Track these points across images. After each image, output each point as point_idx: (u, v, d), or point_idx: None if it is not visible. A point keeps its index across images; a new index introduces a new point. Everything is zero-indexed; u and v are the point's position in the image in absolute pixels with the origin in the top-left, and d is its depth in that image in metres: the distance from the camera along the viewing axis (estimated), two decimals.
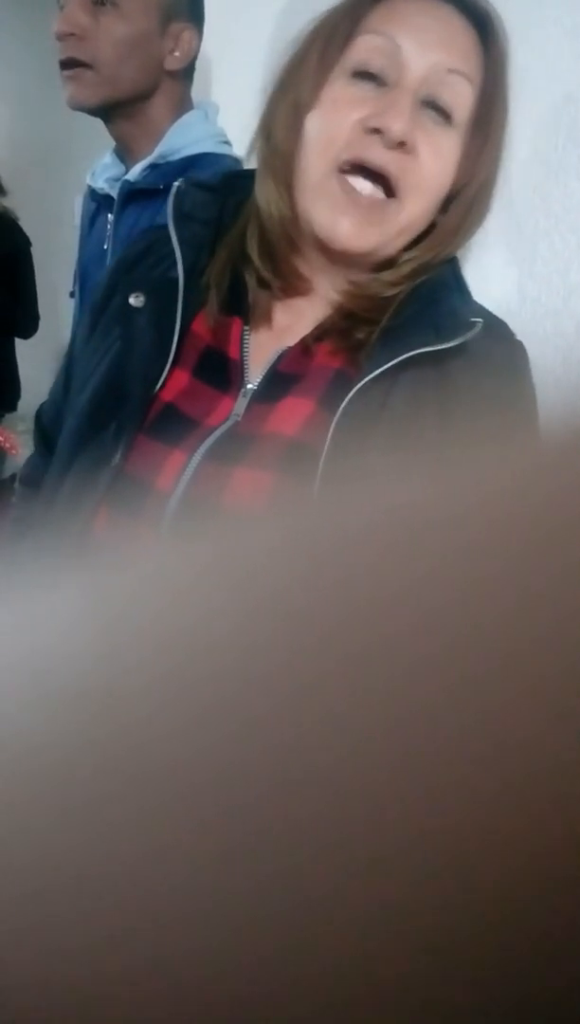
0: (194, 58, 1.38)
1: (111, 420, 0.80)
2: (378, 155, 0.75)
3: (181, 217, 0.85)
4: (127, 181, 1.38)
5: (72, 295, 1.61)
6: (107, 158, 1.49)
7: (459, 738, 0.10)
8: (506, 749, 0.09)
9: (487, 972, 0.09)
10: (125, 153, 1.43)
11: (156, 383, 0.80)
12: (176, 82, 1.38)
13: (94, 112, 1.37)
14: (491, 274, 1.47)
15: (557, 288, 1.45)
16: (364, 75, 0.77)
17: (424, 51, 0.76)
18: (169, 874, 0.09)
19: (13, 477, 3.00)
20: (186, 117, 1.39)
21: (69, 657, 0.12)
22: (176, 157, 1.36)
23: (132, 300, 0.84)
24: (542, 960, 0.09)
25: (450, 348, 0.76)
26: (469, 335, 0.76)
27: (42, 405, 0.99)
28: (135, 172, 1.38)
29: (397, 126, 0.74)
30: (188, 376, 0.82)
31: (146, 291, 0.84)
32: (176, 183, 0.87)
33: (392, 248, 0.81)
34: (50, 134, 3.90)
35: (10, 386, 3.06)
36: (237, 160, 1.27)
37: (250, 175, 0.84)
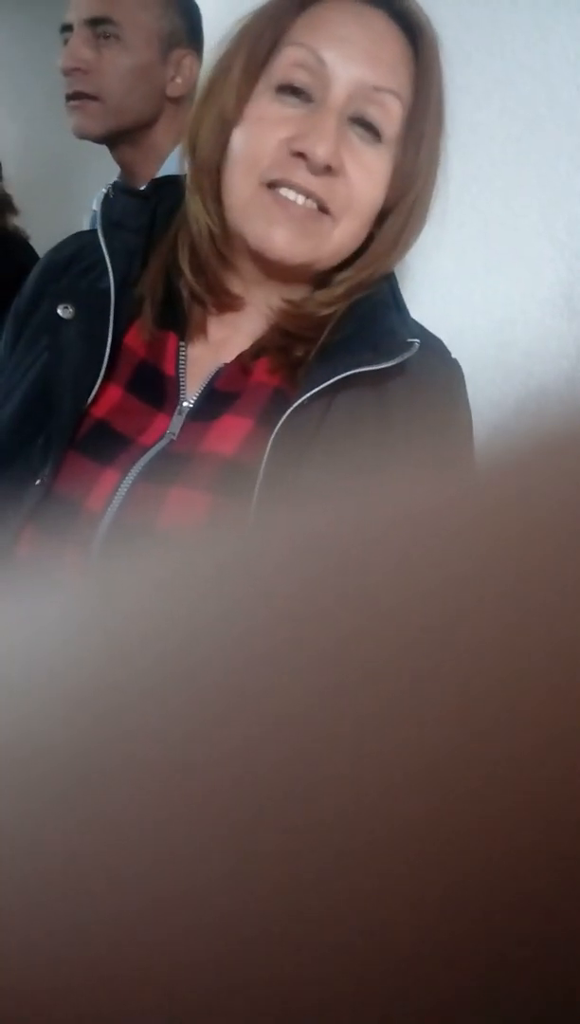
0: (195, 83, 1.39)
1: (38, 434, 0.78)
2: (303, 179, 0.74)
3: (110, 225, 0.83)
4: None
5: None
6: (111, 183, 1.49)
7: (404, 759, 0.10)
8: (470, 763, 0.09)
9: (491, 985, 0.09)
10: (129, 178, 1.44)
11: (87, 397, 0.78)
12: (178, 107, 1.38)
13: (99, 140, 1.38)
14: (494, 297, 1.47)
15: (560, 310, 1.44)
16: (289, 89, 0.74)
17: (349, 65, 0.73)
18: (170, 872, 0.10)
19: None
20: None
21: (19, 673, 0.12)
22: None
23: (60, 311, 0.81)
24: (544, 969, 0.09)
25: (388, 367, 0.75)
26: (406, 355, 0.75)
27: None
28: None
29: (321, 151, 0.72)
30: (121, 391, 0.80)
31: (75, 301, 0.81)
32: (103, 189, 0.85)
33: (327, 264, 0.79)
34: (60, 154, 3.90)
35: None
36: None
37: (180, 181, 0.82)
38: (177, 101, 1.38)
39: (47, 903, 0.10)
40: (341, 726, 0.10)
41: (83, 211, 4.01)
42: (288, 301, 0.81)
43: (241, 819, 0.10)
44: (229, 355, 0.81)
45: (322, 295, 0.80)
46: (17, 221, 3.00)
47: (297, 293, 0.81)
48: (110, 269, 0.81)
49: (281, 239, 0.76)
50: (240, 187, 0.77)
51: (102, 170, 3.55)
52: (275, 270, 0.79)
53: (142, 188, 0.87)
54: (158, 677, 0.11)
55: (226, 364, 0.81)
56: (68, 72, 1.34)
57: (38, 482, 0.75)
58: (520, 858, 0.09)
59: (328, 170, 0.74)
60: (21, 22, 3.85)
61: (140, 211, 0.85)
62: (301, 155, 0.74)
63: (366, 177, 0.76)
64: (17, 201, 3.05)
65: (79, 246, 0.87)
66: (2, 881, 0.10)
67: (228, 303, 0.82)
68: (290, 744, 0.10)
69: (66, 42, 1.35)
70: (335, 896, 0.09)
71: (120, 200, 0.85)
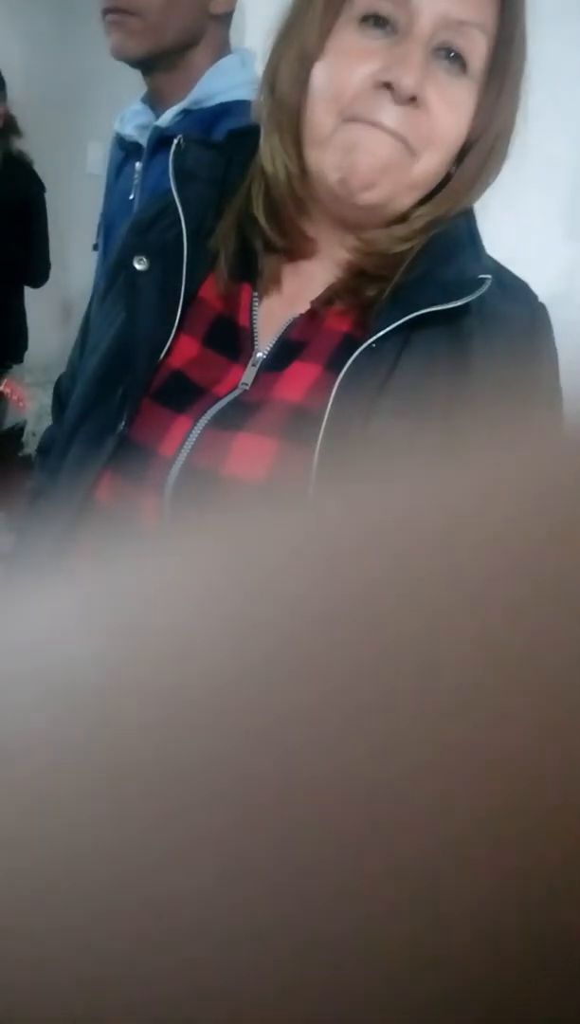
0: (236, 0, 1.31)
1: (117, 386, 0.79)
2: (388, 115, 0.71)
3: (183, 176, 0.82)
4: (157, 127, 1.32)
5: (95, 248, 1.55)
6: (136, 104, 1.42)
7: (471, 723, 0.10)
8: (516, 743, 0.09)
9: (489, 984, 0.09)
10: (156, 99, 1.36)
11: (161, 349, 0.78)
12: (219, 26, 1.31)
13: (137, 62, 1.30)
14: (550, 249, 1.42)
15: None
16: (373, 20, 0.72)
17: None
18: (169, 873, 0.10)
19: (14, 428, 2.95)
20: (222, 62, 1.32)
21: (71, 650, 0.12)
22: (210, 103, 1.30)
23: (136, 263, 0.81)
24: (544, 972, 0.09)
25: (464, 307, 0.73)
26: (477, 293, 0.73)
27: (61, 375, 0.97)
28: (166, 118, 1.31)
29: (407, 80, 0.70)
30: (198, 345, 0.80)
31: (150, 254, 0.81)
32: (176, 139, 0.83)
33: (405, 202, 0.76)
34: (64, 76, 3.81)
35: (18, 337, 2.99)
36: None
37: (256, 132, 0.80)
38: (219, 19, 1.30)
39: (47, 904, 0.10)
40: (424, 699, 0.10)
41: (84, 137, 3.91)
42: (362, 239, 0.78)
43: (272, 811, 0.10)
44: (303, 306, 0.80)
45: (398, 230, 0.77)
46: (22, 145, 2.92)
47: (371, 233, 0.79)
48: (182, 218, 0.80)
49: (364, 166, 0.73)
50: (321, 123, 0.74)
51: (104, 95, 3.45)
52: (352, 213, 0.76)
53: (216, 139, 0.85)
54: (209, 653, 0.11)
55: (300, 314, 0.79)
56: None
57: (117, 431, 0.77)
58: (524, 858, 0.09)
59: (412, 101, 0.71)
60: None
61: (214, 163, 0.83)
62: (386, 86, 0.71)
63: (450, 110, 0.73)
64: (21, 123, 2.96)
65: (164, 204, 0.85)
66: (2, 882, 0.10)
67: (302, 248, 0.80)
68: (359, 711, 0.10)
69: None
70: (335, 899, 0.09)
71: (193, 151, 0.83)
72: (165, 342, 0.78)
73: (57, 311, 3.65)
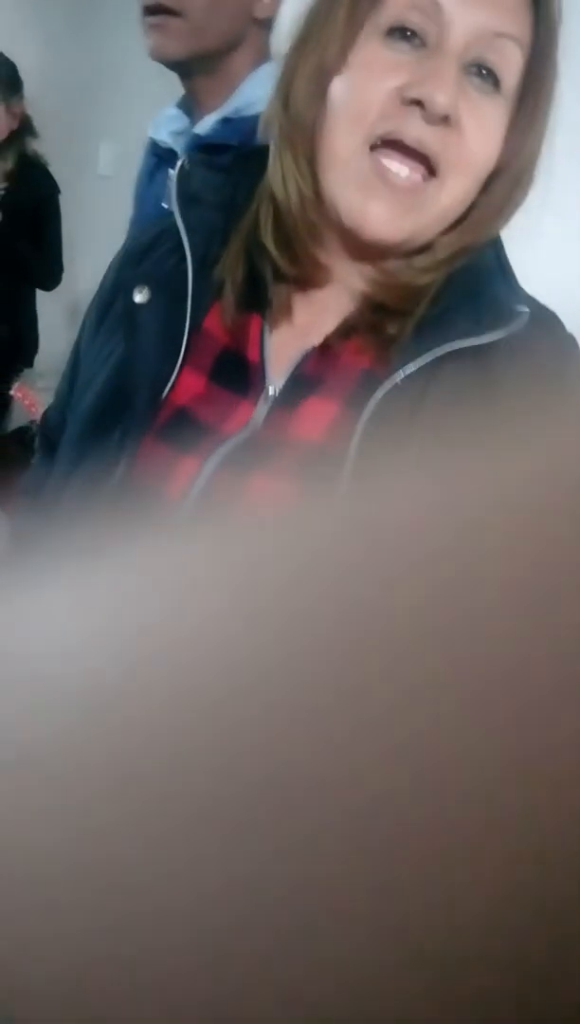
0: (280, 4, 1.28)
1: (115, 426, 0.74)
2: (418, 132, 0.67)
3: (187, 200, 0.77)
4: (196, 135, 1.29)
5: None
6: (171, 109, 1.39)
7: (472, 749, 0.10)
8: (523, 760, 0.09)
9: (489, 972, 0.09)
10: (193, 104, 1.34)
11: (165, 385, 0.74)
12: (261, 31, 1.28)
13: (176, 65, 1.28)
14: None
15: None
16: (400, 33, 0.67)
17: (466, 9, 0.66)
18: (169, 874, 0.10)
19: (27, 433, 2.92)
20: (264, 69, 1.29)
21: (71, 660, 0.12)
22: (251, 112, 1.26)
23: (136, 295, 0.76)
24: (543, 968, 0.09)
25: (493, 342, 0.69)
26: (513, 326, 0.69)
27: (48, 410, 0.92)
28: (205, 125, 1.29)
29: (441, 98, 0.66)
30: (204, 380, 0.75)
31: (151, 284, 0.76)
32: (180, 161, 0.79)
33: (428, 234, 0.72)
34: (75, 77, 3.79)
35: (30, 340, 2.96)
36: None
37: (263, 153, 0.75)
38: (261, 24, 1.27)
39: (49, 910, 0.10)
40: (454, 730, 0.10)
41: (95, 139, 3.88)
42: (382, 270, 0.74)
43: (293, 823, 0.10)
44: (317, 338, 0.75)
45: (421, 261, 0.73)
46: (37, 146, 2.90)
47: (391, 263, 0.74)
48: (187, 246, 0.76)
49: (378, 215, 0.69)
50: (342, 144, 0.69)
51: (118, 97, 3.43)
52: (367, 248, 0.72)
53: (223, 161, 0.82)
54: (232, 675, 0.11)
55: (314, 348, 0.74)
56: None
57: (116, 476, 0.72)
58: (527, 863, 0.09)
59: (445, 120, 0.67)
60: None
61: (221, 186, 0.79)
62: (417, 103, 0.67)
63: (482, 132, 0.69)
64: (37, 124, 2.94)
65: (161, 229, 0.80)
66: (3, 886, 0.10)
67: (314, 276, 0.75)
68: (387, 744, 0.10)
69: None
70: (338, 906, 0.09)
71: (199, 173, 0.79)
72: (169, 378, 0.74)
73: (64, 314, 3.63)
